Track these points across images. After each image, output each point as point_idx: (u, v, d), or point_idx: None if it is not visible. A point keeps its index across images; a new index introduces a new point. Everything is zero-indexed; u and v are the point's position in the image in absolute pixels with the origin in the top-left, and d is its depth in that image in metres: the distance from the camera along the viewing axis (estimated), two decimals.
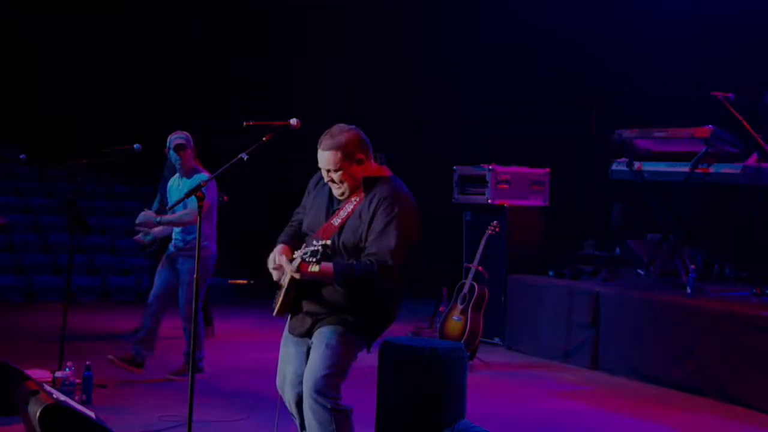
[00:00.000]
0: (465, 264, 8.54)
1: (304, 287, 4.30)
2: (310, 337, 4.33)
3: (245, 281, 12.83)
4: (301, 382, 4.33)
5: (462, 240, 9.31)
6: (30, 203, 13.17)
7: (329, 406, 4.19)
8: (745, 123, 7.62)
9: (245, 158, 4.47)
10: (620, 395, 7.05)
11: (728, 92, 7.62)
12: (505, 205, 8.99)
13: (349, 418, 4.28)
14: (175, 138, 7.05)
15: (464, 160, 9.58)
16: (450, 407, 4.70)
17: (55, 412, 3.81)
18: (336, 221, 4.26)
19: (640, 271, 8.24)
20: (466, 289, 7.79)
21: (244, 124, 4.65)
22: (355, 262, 4.17)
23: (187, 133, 7.13)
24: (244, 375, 7.33)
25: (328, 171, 4.30)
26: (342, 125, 4.36)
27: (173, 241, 7.11)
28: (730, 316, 6.88)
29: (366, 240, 4.20)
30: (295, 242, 4.44)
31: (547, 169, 9.27)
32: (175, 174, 7.28)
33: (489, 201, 9.01)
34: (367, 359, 4.43)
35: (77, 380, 6.15)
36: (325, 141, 4.29)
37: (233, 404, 6.30)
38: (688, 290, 7.53)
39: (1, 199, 12.82)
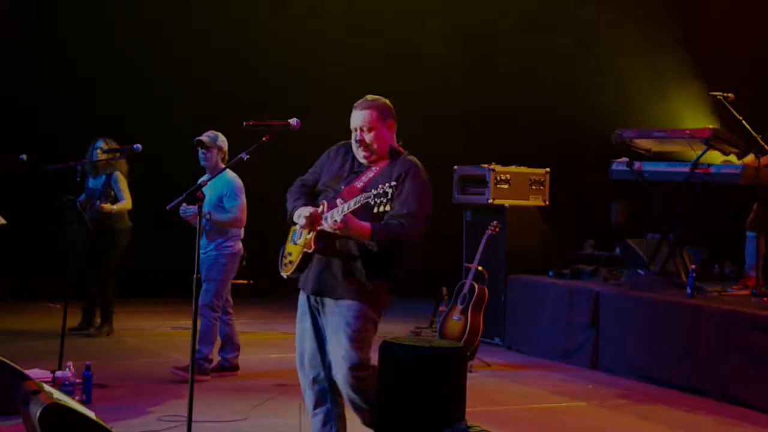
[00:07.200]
0: (465, 264, 8.53)
1: (327, 245, 4.39)
2: (321, 296, 4.47)
3: (245, 281, 12.80)
4: (319, 364, 4.55)
5: (462, 240, 9.30)
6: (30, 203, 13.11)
7: (365, 375, 4.44)
8: (745, 123, 7.62)
9: (245, 158, 4.47)
10: (620, 395, 7.05)
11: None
12: (505, 205, 9.00)
13: (375, 374, 4.53)
14: (203, 136, 7.08)
15: (464, 160, 9.58)
16: (450, 407, 4.69)
17: (55, 412, 3.80)
18: (359, 184, 4.41)
19: (640, 271, 8.24)
20: (466, 289, 7.79)
21: (244, 123, 4.63)
22: (389, 222, 4.29)
23: (218, 133, 7.12)
24: (244, 375, 7.33)
25: (361, 130, 4.46)
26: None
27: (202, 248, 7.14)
28: (730, 316, 6.88)
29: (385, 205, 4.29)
30: (312, 203, 4.52)
31: (547, 169, 9.28)
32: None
33: (489, 201, 9.01)
34: None
35: (77, 380, 6.14)
36: (361, 102, 4.53)
37: (233, 404, 6.30)
38: (688, 290, 7.52)
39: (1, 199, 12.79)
